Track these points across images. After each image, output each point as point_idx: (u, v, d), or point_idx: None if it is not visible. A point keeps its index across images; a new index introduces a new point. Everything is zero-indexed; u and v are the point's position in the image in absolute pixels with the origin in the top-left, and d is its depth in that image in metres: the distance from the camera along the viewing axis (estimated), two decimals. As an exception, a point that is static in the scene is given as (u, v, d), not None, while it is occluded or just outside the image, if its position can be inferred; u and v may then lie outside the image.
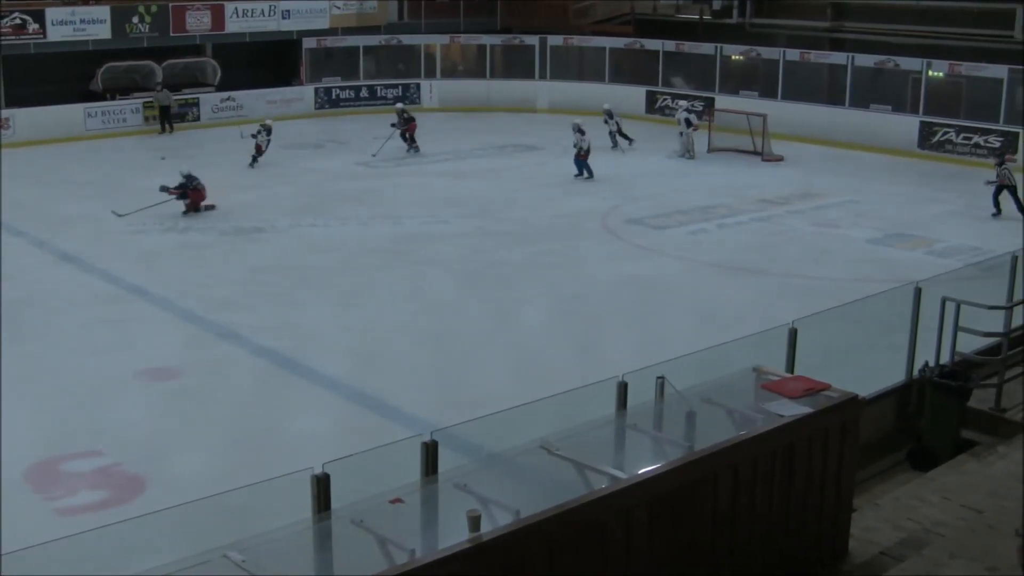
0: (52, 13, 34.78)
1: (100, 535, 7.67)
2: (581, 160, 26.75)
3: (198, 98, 36.62)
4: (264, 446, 11.69)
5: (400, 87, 39.04)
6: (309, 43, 38.67)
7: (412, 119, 30.99)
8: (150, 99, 35.25)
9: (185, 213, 22.88)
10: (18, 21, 34.13)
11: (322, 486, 7.18)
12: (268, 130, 28.83)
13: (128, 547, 7.68)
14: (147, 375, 14.01)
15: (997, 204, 23.05)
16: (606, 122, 30.95)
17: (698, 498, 7.49)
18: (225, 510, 7.87)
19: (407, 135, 30.64)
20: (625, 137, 30.81)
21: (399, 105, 32.51)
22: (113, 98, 35.34)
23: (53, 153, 31.33)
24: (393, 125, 30.67)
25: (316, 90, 38.16)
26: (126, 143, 33.24)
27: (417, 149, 30.45)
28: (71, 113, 34.40)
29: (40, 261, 19.99)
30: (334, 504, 7.18)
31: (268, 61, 38.98)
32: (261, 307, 16.80)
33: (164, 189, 22.75)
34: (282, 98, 37.09)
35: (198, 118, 36.31)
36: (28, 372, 14.22)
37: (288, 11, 38.60)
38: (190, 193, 22.97)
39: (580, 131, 26.93)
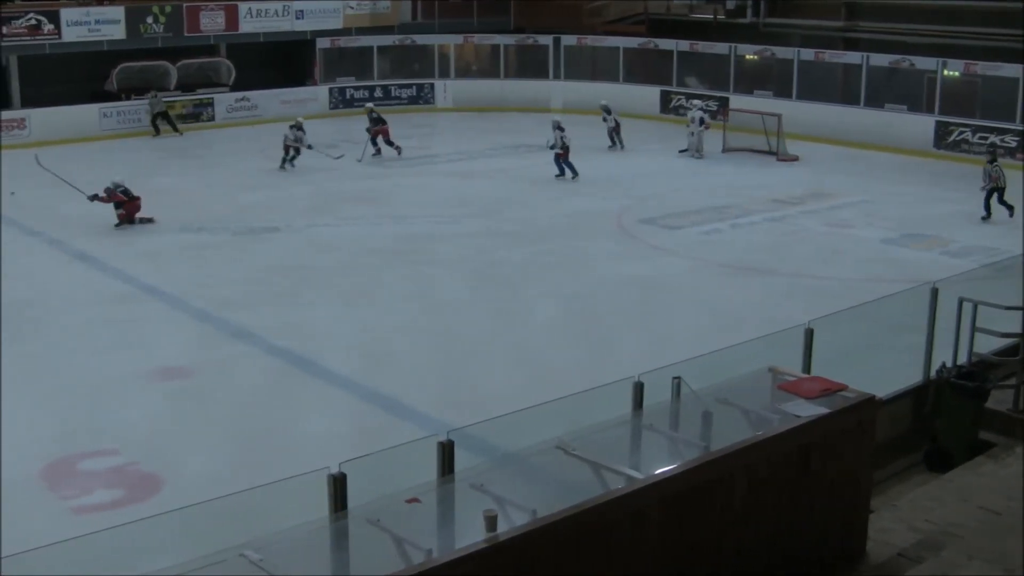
0: (67, 14, 34.92)
1: (116, 534, 7.68)
2: (562, 159, 26.60)
3: (212, 98, 36.70)
4: (278, 445, 11.70)
5: (414, 87, 39.10)
6: (323, 43, 38.71)
7: (383, 121, 30.06)
8: (170, 100, 35.43)
9: (118, 225, 22.10)
10: (33, 22, 34.29)
11: (338, 485, 7.17)
12: (300, 127, 28.44)
13: (144, 546, 7.70)
14: (161, 374, 14.03)
15: (988, 208, 22.62)
16: (604, 119, 30.90)
17: (714, 498, 7.48)
18: (241, 509, 7.88)
19: (376, 138, 29.76)
20: (618, 138, 30.75)
21: (368, 105, 32.22)
22: (128, 98, 35.44)
23: (67, 153, 31.38)
24: (368, 129, 30.15)
25: (330, 90, 38.20)
26: (140, 143, 33.34)
27: (399, 150, 29.56)
28: (86, 113, 34.51)
29: (55, 261, 20.07)
30: (350, 504, 7.17)
31: (282, 61, 39.06)
32: (274, 307, 16.81)
33: (94, 198, 21.96)
34: (296, 98, 37.07)
35: (212, 118, 36.39)
36: (42, 371, 14.27)
37: (302, 11, 38.66)
38: (125, 204, 22.18)
39: (560, 128, 26.72)
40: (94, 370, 14.27)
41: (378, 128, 29.80)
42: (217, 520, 7.74)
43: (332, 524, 7.13)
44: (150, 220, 22.45)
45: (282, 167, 28.03)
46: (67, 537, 7.25)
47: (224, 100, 36.81)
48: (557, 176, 26.46)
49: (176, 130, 34.78)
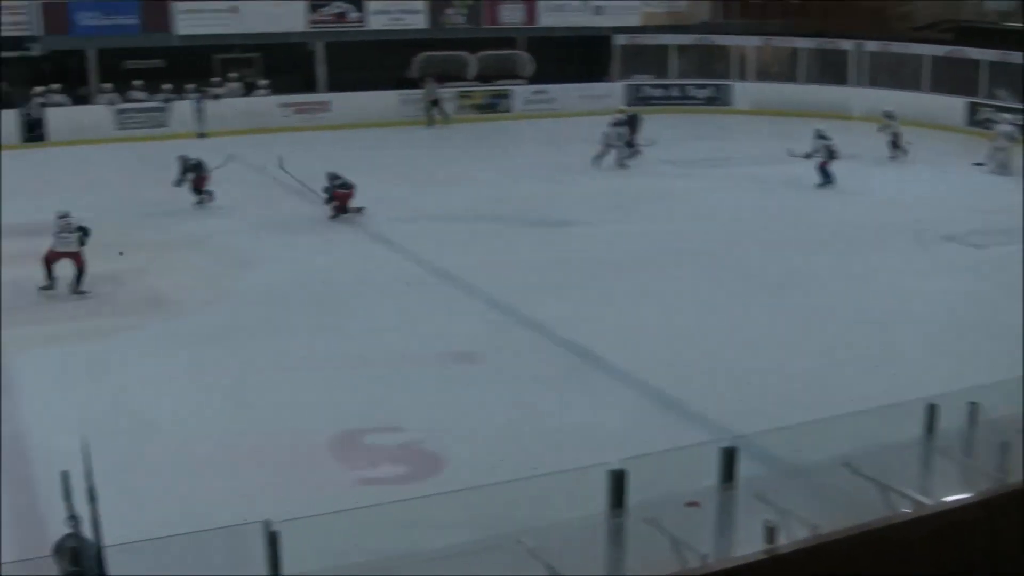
0: (372, 3, 36.38)
1: (398, 508, 7.92)
2: (824, 166, 25.86)
3: (510, 90, 37.44)
4: (558, 436, 11.80)
5: (711, 87, 38.82)
6: (620, 39, 38.90)
7: (634, 120, 29.64)
8: (467, 90, 36.42)
9: (333, 217, 22.14)
10: (339, 10, 35.87)
11: (618, 482, 7.20)
12: (622, 123, 28.52)
13: (424, 523, 7.89)
14: (449, 357, 14.36)
15: None
16: (884, 128, 29.71)
17: (1008, 533, 7.14)
18: (519, 496, 8.00)
19: (630, 140, 29.17)
20: (899, 147, 29.50)
21: (620, 107, 31.89)
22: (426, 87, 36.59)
23: (367, 136, 32.71)
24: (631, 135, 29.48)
25: (627, 87, 38.33)
26: (436, 131, 34.38)
27: (633, 156, 28.91)
28: (386, 99, 35.84)
29: (354, 241, 20.92)
30: (628, 501, 7.19)
31: (579, 56, 39.44)
32: (564, 299, 16.90)
33: (329, 200, 22.18)
34: (593, 93, 37.35)
35: (508, 109, 37.14)
36: (336, 347, 14.81)
37: (601, 7, 38.96)
38: (336, 195, 22.24)
39: (821, 137, 26.06)
40: (385, 348, 14.73)
41: (629, 129, 29.57)
42: (496, 504, 7.89)
43: (609, 520, 7.17)
44: (359, 210, 22.40)
45: (595, 163, 27.92)
46: (351, 507, 7.56)
47: (521, 92, 37.51)
48: (819, 185, 25.79)
49: (447, 119, 35.61)
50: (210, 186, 23.34)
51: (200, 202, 23.20)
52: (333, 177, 22.40)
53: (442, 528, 7.80)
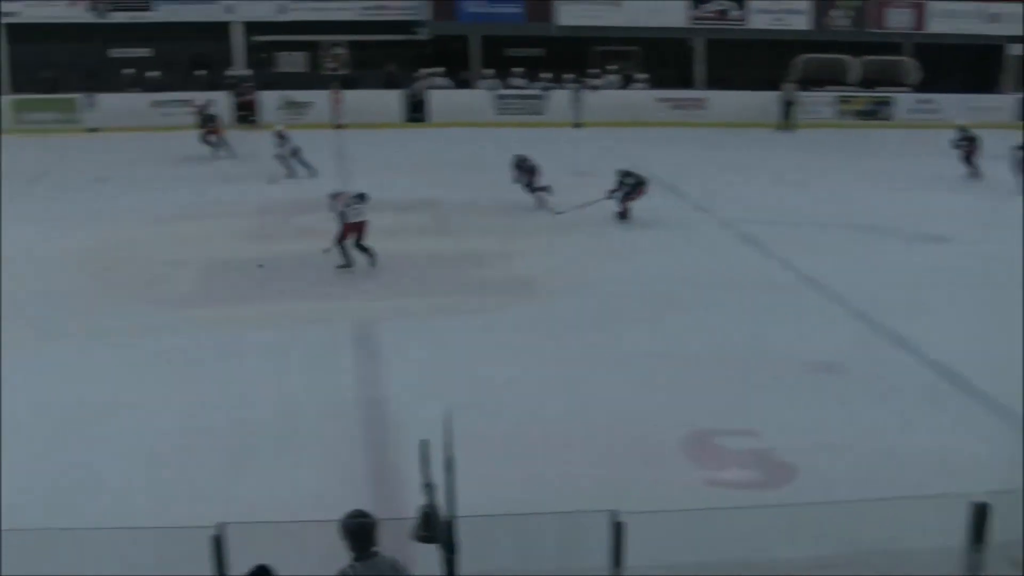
0: (754, 3, 36.25)
1: (747, 514, 7.86)
2: None
3: (892, 97, 36.36)
4: (916, 458, 11.33)
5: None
6: (1015, 49, 37.01)
7: (973, 140, 27.33)
8: (848, 95, 35.67)
9: (622, 217, 21.68)
10: (721, 7, 35.95)
11: (980, 515, 6.88)
12: (971, 140, 27.32)
13: (772, 531, 7.81)
14: (810, 366, 14.00)
15: None
16: None
17: None
18: (871, 516, 7.77)
19: (970, 157, 27.30)
20: None
21: (960, 123, 29.78)
22: (806, 89, 36.02)
23: (741, 136, 32.55)
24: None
25: (1019, 100, 36.38)
26: (815, 135, 33.73)
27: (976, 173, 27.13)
28: (763, 100, 35.55)
29: (718, 239, 20.91)
30: (988, 536, 6.87)
31: (969, 65, 37.82)
32: (935, 317, 16.13)
33: (616, 194, 21.63)
34: (981, 105, 35.46)
35: (889, 117, 36.09)
36: (694, 345, 14.75)
37: (996, 14, 37.20)
38: (629, 195, 21.57)
39: None
40: (744, 350, 14.55)
41: (971, 148, 27.64)
42: (846, 522, 7.71)
43: (968, 555, 6.88)
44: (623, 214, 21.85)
45: (969, 169, 26.80)
46: (697, 507, 7.55)
47: (905, 100, 36.33)
48: None
49: (793, 125, 34.84)
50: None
51: (539, 203, 23.05)
52: (625, 174, 22.01)
53: (788, 540, 7.69)
